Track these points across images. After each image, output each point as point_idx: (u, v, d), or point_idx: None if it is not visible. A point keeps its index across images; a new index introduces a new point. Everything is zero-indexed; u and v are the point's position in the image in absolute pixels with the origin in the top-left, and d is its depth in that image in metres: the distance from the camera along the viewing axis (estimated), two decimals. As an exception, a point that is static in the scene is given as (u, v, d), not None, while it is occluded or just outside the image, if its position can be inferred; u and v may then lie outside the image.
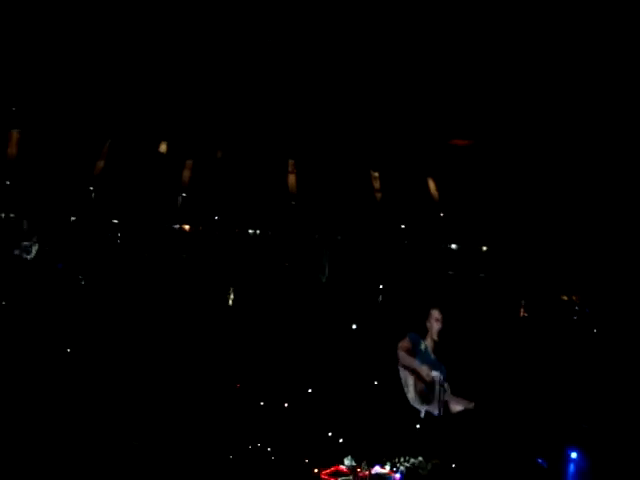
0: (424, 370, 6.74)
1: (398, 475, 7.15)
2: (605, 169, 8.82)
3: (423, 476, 7.07)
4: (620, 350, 8.71)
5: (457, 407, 6.84)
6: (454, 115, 9.15)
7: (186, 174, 9.49)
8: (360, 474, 7.18)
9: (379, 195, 9.74)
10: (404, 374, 6.92)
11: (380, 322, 9.34)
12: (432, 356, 7.00)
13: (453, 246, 9.62)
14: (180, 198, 9.12)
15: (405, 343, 6.95)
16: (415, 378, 6.84)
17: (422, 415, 6.92)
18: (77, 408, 7.83)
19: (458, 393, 6.96)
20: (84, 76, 8.33)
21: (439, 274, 9.45)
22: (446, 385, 6.92)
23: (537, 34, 8.00)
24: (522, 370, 8.65)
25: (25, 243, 8.84)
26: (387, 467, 7.27)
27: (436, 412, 6.75)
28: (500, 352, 8.84)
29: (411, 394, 6.91)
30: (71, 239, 9.09)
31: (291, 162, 9.74)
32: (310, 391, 8.74)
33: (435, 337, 6.97)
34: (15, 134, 8.81)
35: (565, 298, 9.29)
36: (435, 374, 6.77)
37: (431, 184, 9.79)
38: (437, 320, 7.01)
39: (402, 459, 7.16)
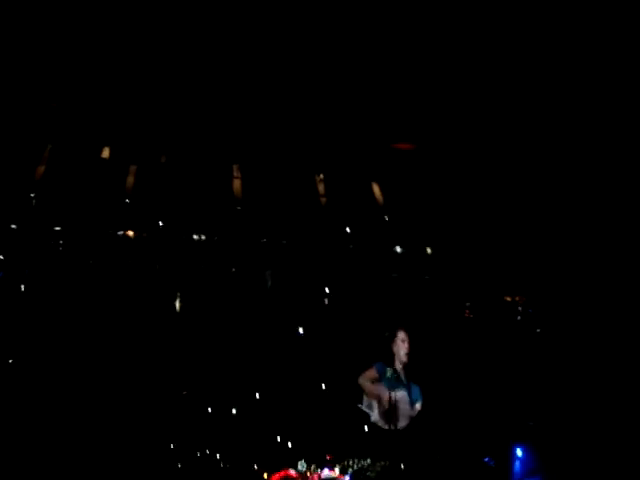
0: (387, 394, 6.76)
1: (347, 477, 7.19)
2: (546, 167, 8.99)
3: (372, 478, 7.12)
4: (563, 349, 8.89)
5: (408, 415, 6.89)
6: (397, 119, 9.21)
7: (130, 180, 9.37)
8: (310, 478, 7.19)
9: (324, 199, 9.75)
10: (368, 400, 6.93)
11: (326, 326, 9.37)
12: (403, 380, 6.99)
13: (398, 249, 9.69)
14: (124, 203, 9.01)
15: (370, 373, 6.96)
16: (378, 402, 6.86)
17: (372, 419, 6.95)
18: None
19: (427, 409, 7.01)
20: (24, 78, 8.17)
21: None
22: (418, 404, 6.96)
23: (481, 36, 8.10)
24: (467, 370, 8.77)
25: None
26: (336, 470, 7.31)
27: (390, 425, 6.79)
28: (445, 353, 8.95)
29: (375, 417, 6.94)
30: (11, 247, 8.91)
31: (236, 167, 9.69)
32: (258, 396, 8.74)
33: (403, 359, 6.95)
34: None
35: (509, 299, 9.45)
36: (399, 395, 6.79)
37: (375, 188, 9.85)
38: (403, 342, 7.01)
39: (351, 461, 7.19)
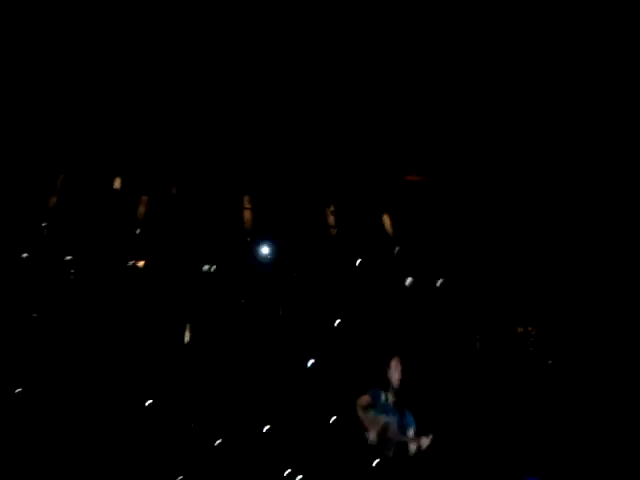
0: (378, 422, 6.76)
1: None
2: (559, 203, 9.00)
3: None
4: (574, 381, 8.80)
5: (415, 446, 6.84)
6: (409, 151, 9.26)
7: (141, 210, 9.41)
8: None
9: (334, 231, 9.76)
10: (365, 425, 6.92)
11: (338, 358, 9.32)
12: (393, 407, 6.99)
13: (408, 280, 9.66)
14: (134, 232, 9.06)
15: (365, 398, 6.97)
16: (378, 431, 6.85)
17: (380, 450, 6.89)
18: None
19: (419, 429, 6.96)
20: (36, 108, 8.26)
21: (395, 315, 9.49)
22: (411, 430, 6.93)
23: (490, 73, 8.17)
24: (479, 401, 8.69)
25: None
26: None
27: (394, 455, 6.75)
28: (457, 385, 8.88)
29: (371, 442, 6.92)
30: (23, 275, 8.95)
31: (246, 198, 9.73)
32: (267, 429, 8.68)
33: (397, 386, 6.97)
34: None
35: (520, 330, 9.38)
36: (388, 422, 6.78)
37: (386, 220, 9.85)
38: (397, 369, 7.03)
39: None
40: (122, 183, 9.34)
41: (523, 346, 9.27)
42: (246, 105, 8.67)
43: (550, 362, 9.02)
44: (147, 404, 8.71)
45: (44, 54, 7.71)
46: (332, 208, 9.85)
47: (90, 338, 9.02)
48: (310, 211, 9.85)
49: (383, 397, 6.98)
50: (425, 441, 6.92)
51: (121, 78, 8.09)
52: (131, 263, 9.31)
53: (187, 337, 9.51)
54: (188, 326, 9.56)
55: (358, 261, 9.77)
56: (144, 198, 9.44)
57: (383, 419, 6.86)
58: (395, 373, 7.01)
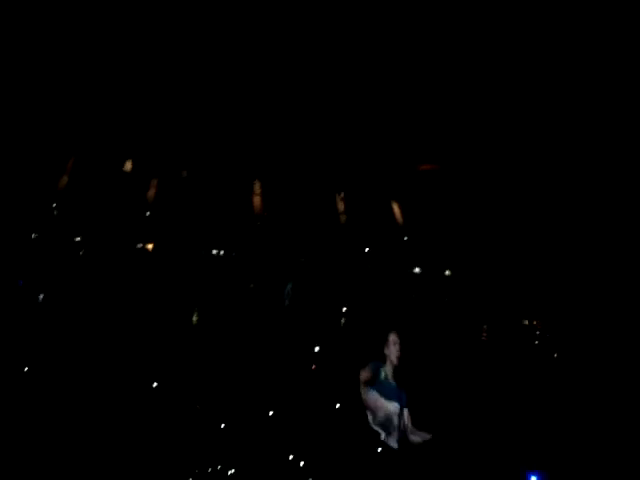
0: (382, 405, 6.78)
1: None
2: (569, 198, 8.95)
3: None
4: (580, 374, 8.78)
5: (416, 439, 6.86)
6: (420, 140, 9.23)
7: (151, 193, 9.44)
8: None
9: (343, 218, 9.76)
10: (365, 406, 6.94)
11: (343, 346, 9.35)
12: (392, 383, 7.03)
13: (416, 270, 9.65)
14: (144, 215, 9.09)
15: (365, 373, 6.99)
16: (373, 412, 6.88)
17: (382, 438, 6.92)
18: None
19: (419, 420, 6.97)
20: (49, 89, 8.29)
21: (397, 298, 9.50)
22: (406, 413, 6.95)
23: (506, 59, 8.12)
24: (482, 394, 8.69)
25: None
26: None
27: (394, 444, 6.76)
28: (461, 376, 8.88)
29: (372, 424, 6.94)
30: (33, 256, 9.00)
31: (257, 183, 9.73)
32: (272, 414, 8.72)
33: (395, 362, 7.00)
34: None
35: (526, 323, 9.37)
36: (394, 405, 6.80)
37: (396, 208, 9.84)
38: (395, 344, 7.05)
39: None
40: (133, 165, 9.37)
41: (529, 339, 9.26)
42: (258, 90, 8.66)
43: (555, 355, 9.01)
44: (154, 386, 8.77)
45: (59, 36, 7.73)
46: (342, 195, 9.85)
47: (98, 320, 9.07)
48: (320, 198, 9.85)
49: (383, 373, 7.01)
50: (423, 435, 6.94)
51: (134, 61, 8.09)
52: (140, 245, 9.35)
53: (195, 320, 9.55)
54: (196, 309, 9.60)
55: (366, 249, 9.78)
56: (154, 181, 9.47)
57: (385, 403, 6.88)
58: (393, 349, 7.04)
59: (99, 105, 8.71)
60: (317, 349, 9.43)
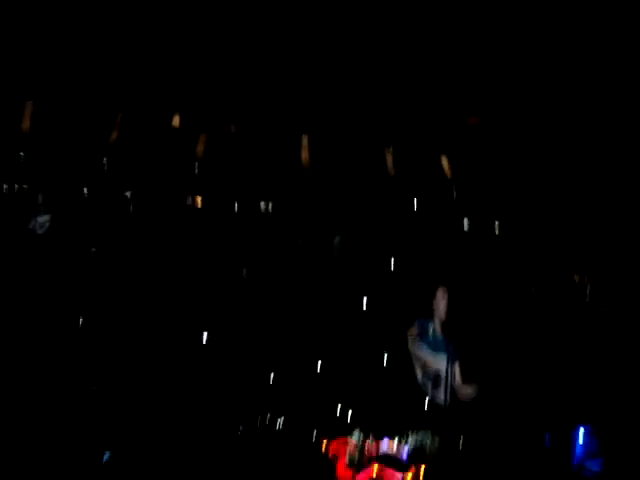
0: (430, 360, 6.82)
1: (406, 449, 7.21)
2: (625, 148, 8.77)
3: (430, 451, 7.13)
4: (631, 329, 8.69)
5: (465, 392, 6.91)
6: (469, 93, 9.09)
7: (199, 148, 9.49)
8: (368, 447, 7.24)
9: (392, 171, 9.71)
10: (413, 361, 7.00)
11: (391, 299, 9.37)
12: (441, 337, 7.06)
13: (466, 224, 9.58)
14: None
15: (413, 330, 7.04)
16: (422, 366, 6.93)
17: (429, 393, 6.98)
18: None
19: (467, 374, 7.00)
20: (98, 48, 8.34)
21: (450, 254, 9.46)
22: (456, 367, 6.99)
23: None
24: (531, 347, 8.65)
25: (39, 217, 8.91)
26: (395, 441, 7.33)
27: (444, 399, 6.82)
28: (510, 331, 8.84)
29: (419, 380, 6.99)
30: (84, 212, 9.15)
31: (305, 137, 9.71)
32: (320, 364, 8.82)
33: (443, 317, 7.03)
34: (29, 106, 8.83)
35: (577, 278, 9.26)
36: (442, 359, 6.84)
37: (445, 161, 9.75)
38: (444, 299, 7.07)
39: (410, 433, 7.22)
40: (181, 121, 9.41)
41: (579, 294, 9.16)
42: (307, 45, 8.60)
43: (606, 310, 8.91)
44: (204, 337, 8.92)
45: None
46: (391, 149, 9.79)
47: (149, 274, 9.22)
48: (369, 151, 9.81)
49: (431, 328, 7.05)
50: (472, 388, 6.97)
51: (182, 17, 8.08)
52: (189, 201, 9.43)
53: (244, 274, 9.65)
54: (245, 264, 9.70)
55: (415, 202, 9.73)
56: (203, 136, 9.51)
57: (434, 357, 6.92)
58: (442, 303, 7.05)
59: (147, 60, 8.74)
60: (365, 302, 9.45)
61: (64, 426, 7.59)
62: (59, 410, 7.75)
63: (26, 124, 8.88)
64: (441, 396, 6.81)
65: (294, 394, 8.38)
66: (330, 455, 7.38)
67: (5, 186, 8.94)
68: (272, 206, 9.63)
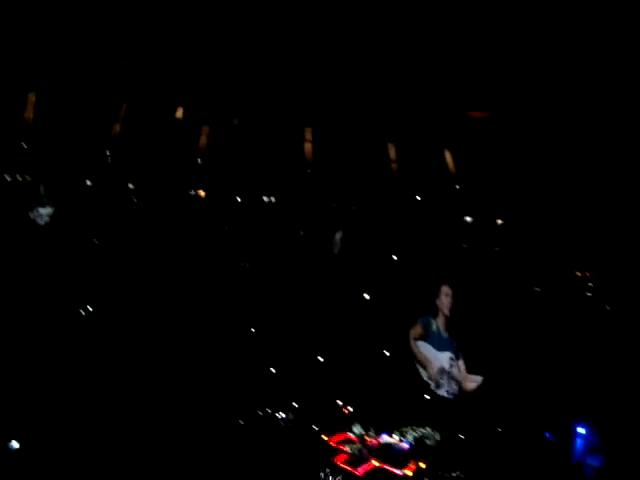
0: (435, 356, 6.79)
1: (406, 444, 7.19)
2: (623, 149, 8.74)
3: (431, 446, 7.12)
4: (632, 327, 8.68)
5: (470, 385, 6.88)
6: (472, 87, 9.07)
7: (202, 140, 9.50)
8: (368, 442, 7.23)
9: (395, 166, 9.70)
10: (417, 363, 6.97)
11: (392, 293, 9.36)
12: (444, 335, 7.04)
13: (468, 219, 9.57)
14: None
15: (416, 329, 7.00)
16: (425, 365, 6.89)
17: (434, 389, 6.95)
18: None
19: (471, 368, 6.99)
20: (101, 39, 8.32)
21: (451, 250, 9.46)
22: (460, 363, 6.97)
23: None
24: (532, 344, 8.65)
25: (41, 207, 8.90)
26: (395, 436, 7.32)
27: (449, 394, 6.79)
28: (511, 327, 8.84)
29: (425, 378, 6.96)
30: (87, 203, 9.14)
31: (308, 130, 9.71)
32: (321, 359, 8.81)
33: (446, 314, 7.00)
34: (32, 97, 8.82)
35: (579, 274, 9.25)
36: (446, 355, 6.81)
37: (448, 156, 9.74)
38: (447, 296, 7.04)
39: (411, 429, 7.21)
40: (184, 113, 9.41)
41: (581, 290, 9.16)
42: (309, 38, 8.57)
43: (608, 308, 8.90)
44: (213, 328, 8.91)
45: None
46: (394, 142, 9.78)
47: (151, 264, 9.21)
48: (372, 145, 9.80)
49: (434, 325, 7.02)
50: (477, 380, 6.95)
51: (185, 10, 8.05)
52: (192, 192, 9.44)
53: (245, 265, 9.65)
54: (247, 255, 9.69)
55: (418, 197, 9.73)
56: (206, 128, 9.51)
57: (438, 354, 6.91)
58: (445, 300, 7.02)
59: (151, 53, 8.72)
60: (366, 297, 9.44)
61: (66, 425, 7.61)
62: (60, 404, 7.76)
63: (29, 115, 8.89)
64: (445, 392, 6.78)
65: (295, 389, 8.37)
66: (330, 449, 7.37)
67: (8, 177, 8.94)
68: (274, 200, 9.63)
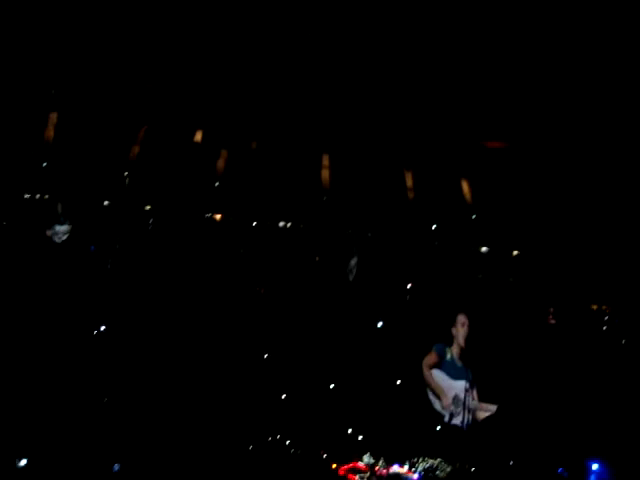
0: (449, 385, 6.74)
1: (416, 475, 7.14)
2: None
3: (442, 478, 7.07)
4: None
5: (484, 414, 6.83)
6: (490, 117, 9.08)
7: (220, 164, 9.52)
8: (378, 472, 7.19)
9: (411, 194, 9.69)
10: (430, 392, 6.92)
11: (407, 321, 9.33)
12: (458, 364, 7.00)
13: (483, 249, 9.54)
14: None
15: (431, 358, 6.97)
16: (439, 394, 6.85)
17: (446, 419, 6.89)
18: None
19: (484, 398, 6.93)
20: (122, 61, 8.39)
21: (464, 278, 9.43)
22: (474, 393, 6.92)
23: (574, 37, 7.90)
24: (547, 378, 8.58)
25: (58, 225, 8.95)
26: (405, 467, 7.27)
27: (462, 423, 6.73)
28: (526, 359, 8.78)
29: (438, 408, 6.92)
30: (104, 223, 9.19)
31: (325, 157, 9.72)
32: (332, 387, 8.77)
33: (462, 343, 6.97)
34: (53, 117, 8.90)
35: (595, 307, 9.19)
36: (460, 384, 6.76)
37: (464, 185, 9.72)
38: (463, 325, 7.01)
39: (421, 459, 7.16)
40: (203, 136, 9.45)
41: (597, 323, 9.09)
42: (327, 63, 8.61)
43: (624, 342, 8.83)
44: (218, 351, 8.92)
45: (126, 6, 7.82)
46: (411, 171, 9.77)
47: (167, 287, 9.23)
48: (389, 173, 9.80)
49: (449, 354, 6.99)
50: (489, 408, 6.90)
51: (203, 32, 8.12)
52: (208, 216, 9.45)
53: (261, 292, 9.64)
54: (262, 280, 9.69)
55: (434, 226, 9.70)
56: (224, 152, 9.54)
57: (452, 383, 6.86)
58: (461, 330, 7.00)
59: (170, 75, 8.79)
60: (380, 325, 9.42)
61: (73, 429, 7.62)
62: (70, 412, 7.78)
63: (50, 134, 8.95)
64: (459, 422, 6.72)
65: (306, 416, 8.35)
66: (339, 478, 7.33)
67: (27, 195, 9.01)
68: (291, 225, 9.63)
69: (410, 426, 7.90)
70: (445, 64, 8.27)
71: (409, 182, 9.81)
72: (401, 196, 9.78)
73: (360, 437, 8.20)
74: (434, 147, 9.48)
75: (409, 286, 9.55)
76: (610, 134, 8.77)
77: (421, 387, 7.16)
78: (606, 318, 9.10)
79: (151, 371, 8.55)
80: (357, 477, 7.29)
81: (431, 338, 7.14)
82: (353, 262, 9.71)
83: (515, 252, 9.46)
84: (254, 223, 9.60)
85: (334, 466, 7.53)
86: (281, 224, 9.70)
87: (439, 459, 7.42)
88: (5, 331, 8.32)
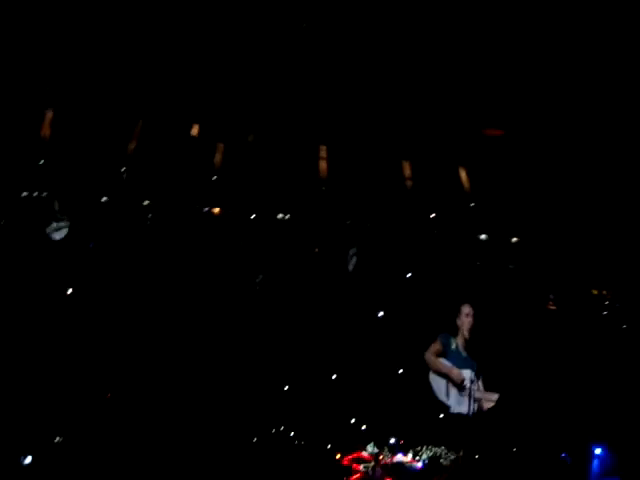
0: (454, 372, 6.73)
1: (420, 464, 7.16)
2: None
3: (445, 466, 7.08)
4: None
5: (489, 404, 6.82)
6: (487, 105, 9.05)
7: (217, 157, 9.50)
8: (382, 461, 7.20)
9: (410, 183, 9.68)
10: (435, 379, 6.91)
11: (410, 312, 9.33)
12: (463, 354, 6.99)
13: (482, 237, 9.54)
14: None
15: (436, 346, 6.96)
16: (447, 382, 6.83)
17: (451, 409, 6.88)
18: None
19: (489, 388, 6.93)
20: (117, 56, 8.36)
21: (468, 269, 9.43)
22: (479, 383, 6.91)
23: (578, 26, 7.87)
24: (549, 365, 8.59)
25: (55, 223, 8.94)
26: (409, 455, 7.28)
27: (468, 412, 6.72)
28: (528, 346, 8.79)
29: (444, 397, 6.90)
30: (102, 219, 9.18)
31: (323, 148, 9.70)
32: (334, 377, 8.79)
33: (466, 334, 6.95)
34: (49, 114, 8.88)
35: (595, 292, 9.20)
36: (466, 374, 6.76)
37: (463, 173, 9.71)
38: (467, 316, 6.99)
39: (424, 448, 7.17)
40: (200, 130, 9.42)
41: (597, 308, 9.10)
42: (323, 55, 8.58)
43: (625, 327, 8.84)
44: (220, 343, 8.93)
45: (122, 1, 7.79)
46: (409, 161, 9.76)
47: (166, 281, 9.23)
48: (387, 163, 9.78)
49: (454, 344, 6.99)
50: (494, 397, 6.90)
51: (197, 26, 8.09)
52: (206, 210, 9.44)
53: (259, 283, 9.64)
54: (261, 273, 9.69)
55: (432, 215, 9.69)
56: (221, 145, 9.52)
57: (460, 372, 6.85)
58: (466, 320, 6.99)
59: (166, 69, 8.75)
60: (380, 315, 9.43)
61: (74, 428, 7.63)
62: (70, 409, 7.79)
63: (46, 131, 8.93)
64: (464, 411, 6.71)
65: (310, 407, 8.36)
66: (344, 468, 7.34)
67: (24, 192, 8.99)
68: (289, 217, 9.62)
69: (414, 415, 7.91)
70: (442, 53, 8.23)
71: (407, 171, 9.79)
72: (399, 185, 9.76)
73: (364, 427, 8.21)
74: (432, 136, 9.46)
75: (408, 275, 9.55)
76: (608, 121, 8.75)
77: (425, 377, 7.15)
78: (607, 303, 9.10)
79: (152, 362, 8.57)
80: (361, 466, 7.30)
81: (435, 329, 7.13)
82: (352, 253, 9.72)
83: (514, 239, 9.45)
84: (253, 216, 9.59)
85: (338, 456, 7.55)
86: (280, 216, 9.69)
87: (443, 448, 7.42)
88: (4, 329, 8.32)
